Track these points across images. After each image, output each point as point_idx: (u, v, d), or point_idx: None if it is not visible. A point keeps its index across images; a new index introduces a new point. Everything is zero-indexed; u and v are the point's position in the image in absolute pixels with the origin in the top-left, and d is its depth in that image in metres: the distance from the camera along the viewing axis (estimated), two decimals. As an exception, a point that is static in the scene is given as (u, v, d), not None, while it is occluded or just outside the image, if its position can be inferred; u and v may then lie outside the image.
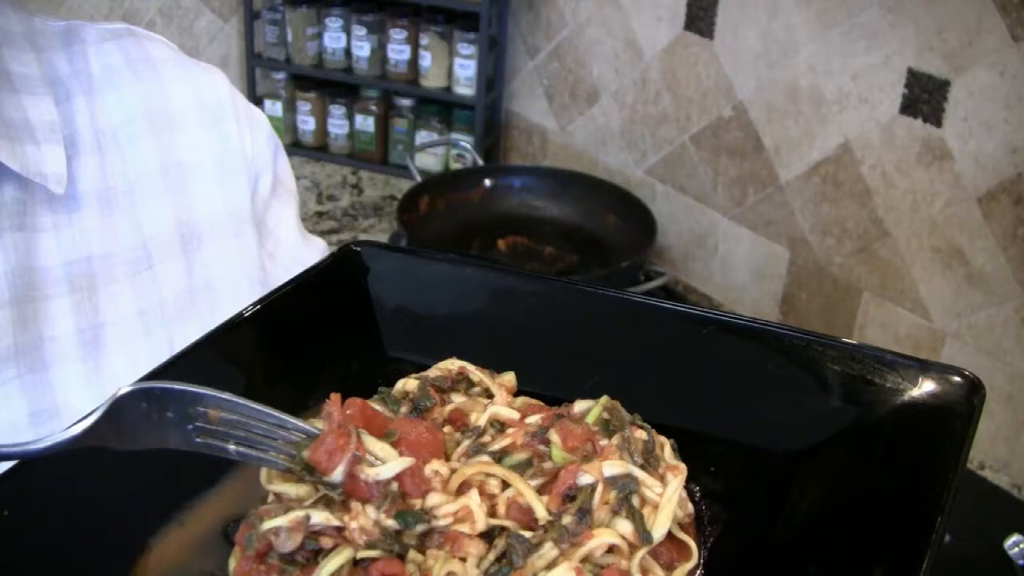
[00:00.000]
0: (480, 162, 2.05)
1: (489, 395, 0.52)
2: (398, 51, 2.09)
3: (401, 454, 0.43)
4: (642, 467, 0.45)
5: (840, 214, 1.57)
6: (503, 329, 0.59)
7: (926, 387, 0.48)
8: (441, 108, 2.17)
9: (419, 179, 1.90)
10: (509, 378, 0.54)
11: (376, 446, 0.42)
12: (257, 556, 0.41)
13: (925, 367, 0.49)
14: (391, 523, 0.41)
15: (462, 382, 0.53)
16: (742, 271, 1.78)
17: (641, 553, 0.42)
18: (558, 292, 0.62)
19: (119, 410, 0.42)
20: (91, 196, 0.68)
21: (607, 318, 0.58)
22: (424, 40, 2.07)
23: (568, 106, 2.06)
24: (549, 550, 0.40)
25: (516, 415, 0.49)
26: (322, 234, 1.86)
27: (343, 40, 2.13)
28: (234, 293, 0.74)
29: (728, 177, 1.76)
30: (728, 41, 1.69)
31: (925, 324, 1.48)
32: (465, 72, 2.06)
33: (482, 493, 0.43)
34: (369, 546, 0.40)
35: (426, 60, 2.08)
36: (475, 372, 0.53)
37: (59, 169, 0.65)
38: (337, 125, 2.22)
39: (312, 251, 0.84)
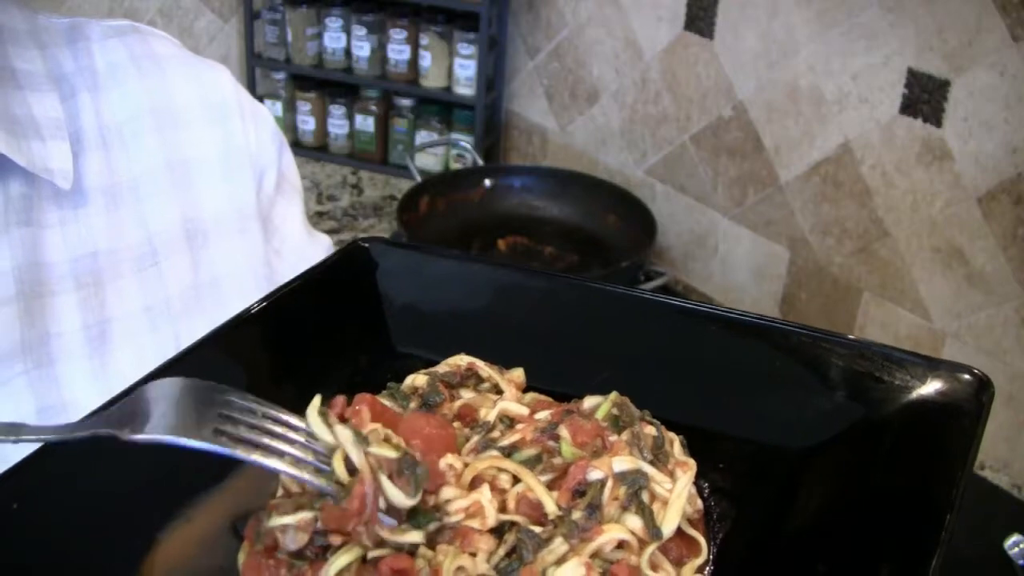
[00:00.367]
0: (480, 162, 2.05)
1: (498, 391, 0.52)
2: (398, 51, 2.09)
3: (414, 450, 0.43)
4: (651, 463, 0.45)
5: (840, 214, 1.57)
6: (512, 325, 0.59)
7: (934, 385, 0.48)
8: (441, 108, 2.17)
9: (419, 179, 1.89)
10: (518, 374, 0.54)
11: (390, 487, 0.41)
12: (266, 551, 0.41)
13: (933, 365, 0.49)
14: (403, 526, 0.41)
15: (471, 378, 0.53)
16: (742, 271, 1.78)
17: (651, 548, 0.42)
18: (566, 289, 0.62)
19: (146, 400, 0.42)
20: (97, 192, 0.68)
21: (615, 315, 0.58)
22: (424, 40, 2.07)
23: (568, 106, 2.06)
24: (559, 545, 0.40)
25: (525, 411, 0.49)
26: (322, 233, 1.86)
27: (343, 40, 2.13)
28: (240, 289, 0.74)
29: (728, 177, 1.76)
30: (728, 41, 1.69)
31: (925, 324, 1.48)
32: (465, 72, 2.06)
33: (493, 488, 0.43)
34: (378, 544, 0.40)
35: (426, 60, 2.08)
36: (484, 368, 0.53)
37: (65, 165, 0.65)
38: (337, 125, 2.22)
39: (318, 248, 0.84)
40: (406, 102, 2.18)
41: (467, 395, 0.52)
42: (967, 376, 0.47)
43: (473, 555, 0.41)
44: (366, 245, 0.64)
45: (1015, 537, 1.23)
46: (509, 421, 0.48)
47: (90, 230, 0.67)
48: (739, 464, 0.50)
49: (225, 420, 0.41)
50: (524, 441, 0.45)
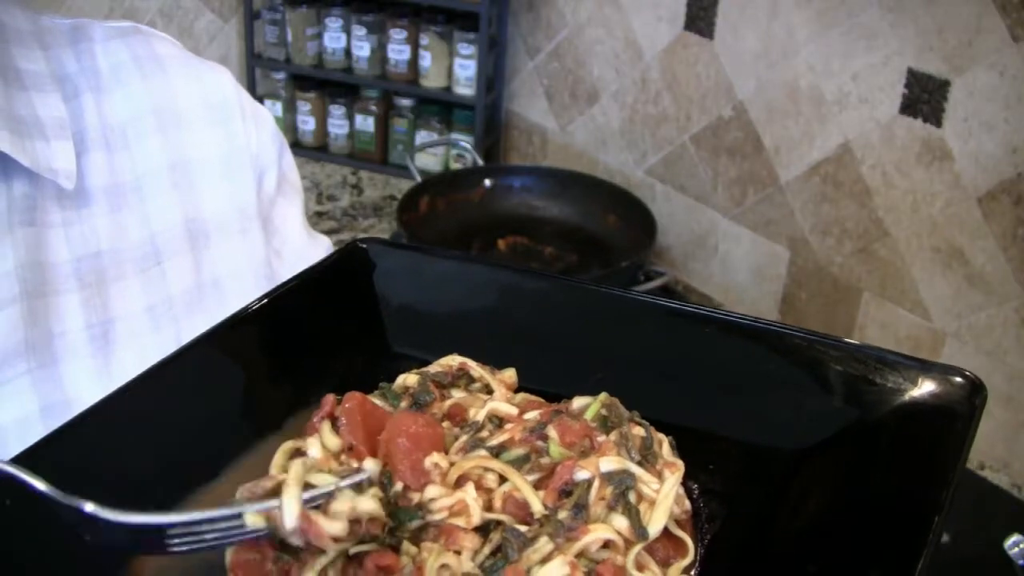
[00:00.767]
0: (480, 162, 2.05)
1: (489, 391, 0.52)
2: (398, 51, 2.09)
3: (400, 448, 0.43)
4: (639, 463, 0.45)
5: (840, 214, 1.57)
6: (507, 326, 0.60)
7: (927, 387, 0.48)
8: (441, 108, 2.17)
9: (419, 179, 1.89)
10: (510, 374, 0.54)
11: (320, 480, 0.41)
12: (251, 545, 0.41)
13: (926, 367, 0.49)
14: (386, 520, 0.41)
15: (462, 378, 0.53)
16: (742, 271, 1.78)
17: (637, 549, 0.42)
18: (561, 290, 0.63)
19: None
20: (100, 192, 0.68)
21: (609, 316, 0.58)
22: (424, 40, 2.07)
23: (568, 106, 2.06)
24: (544, 544, 0.40)
25: (514, 411, 0.49)
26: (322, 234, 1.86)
27: (343, 40, 2.13)
28: (241, 290, 0.75)
29: (728, 177, 1.76)
30: (728, 41, 1.69)
31: (925, 324, 1.48)
32: (465, 72, 2.06)
33: (479, 487, 0.43)
34: (361, 541, 0.40)
35: (426, 60, 2.08)
36: (475, 368, 0.53)
37: (69, 165, 0.65)
38: (337, 125, 2.22)
39: (318, 248, 0.85)
40: (406, 102, 2.18)
41: (458, 395, 0.52)
42: (960, 379, 0.47)
43: (458, 553, 0.41)
44: (364, 246, 0.64)
45: (1015, 537, 1.23)
46: (498, 421, 0.48)
47: (93, 230, 0.68)
48: (730, 465, 0.50)
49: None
50: (512, 441, 0.45)
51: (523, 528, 0.42)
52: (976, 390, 0.46)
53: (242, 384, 0.60)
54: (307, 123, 2.23)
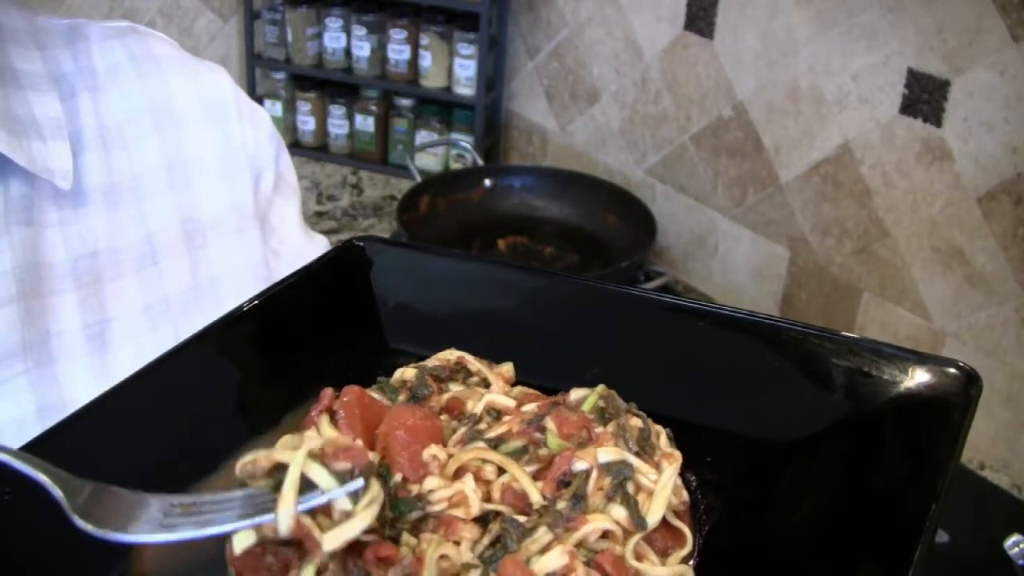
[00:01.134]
0: (480, 162, 2.06)
1: (487, 385, 0.52)
2: (398, 51, 2.10)
3: (398, 440, 0.43)
4: (637, 454, 0.45)
5: (840, 214, 1.57)
6: (504, 323, 0.60)
7: (923, 379, 0.48)
8: (441, 108, 2.18)
9: (419, 179, 1.90)
10: (507, 368, 0.54)
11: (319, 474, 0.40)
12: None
13: (922, 360, 0.49)
14: (386, 513, 0.41)
15: (460, 372, 0.53)
16: (742, 271, 1.78)
17: (635, 539, 0.42)
18: (558, 285, 0.63)
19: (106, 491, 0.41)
20: (96, 192, 0.68)
21: (607, 311, 0.59)
22: (424, 40, 2.07)
23: (568, 106, 2.06)
24: (543, 535, 0.40)
25: (512, 403, 0.49)
26: (322, 234, 1.86)
27: (343, 40, 2.13)
28: (239, 289, 0.74)
29: (728, 177, 1.76)
30: (728, 41, 1.69)
31: (925, 324, 1.48)
32: (465, 72, 2.06)
33: (478, 479, 0.43)
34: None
35: (426, 60, 2.08)
36: (473, 362, 0.53)
37: (65, 165, 0.65)
38: (337, 125, 2.22)
39: (315, 248, 0.84)
40: (406, 102, 2.18)
41: (456, 388, 0.52)
42: (955, 370, 0.47)
43: (457, 544, 0.41)
44: (361, 244, 0.64)
45: (1015, 537, 1.23)
46: (496, 414, 0.49)
47: (90, 230, 0.68)
48: (727, 457, 0.50)
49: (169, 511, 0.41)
50: (510, 433, 0.46)
51: (522, 519, 0.42)
52: (971, 381, 0.46)
53: (239, 381, 0.60)
54: (307, 123, 2.24)
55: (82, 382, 0.66)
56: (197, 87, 0.75)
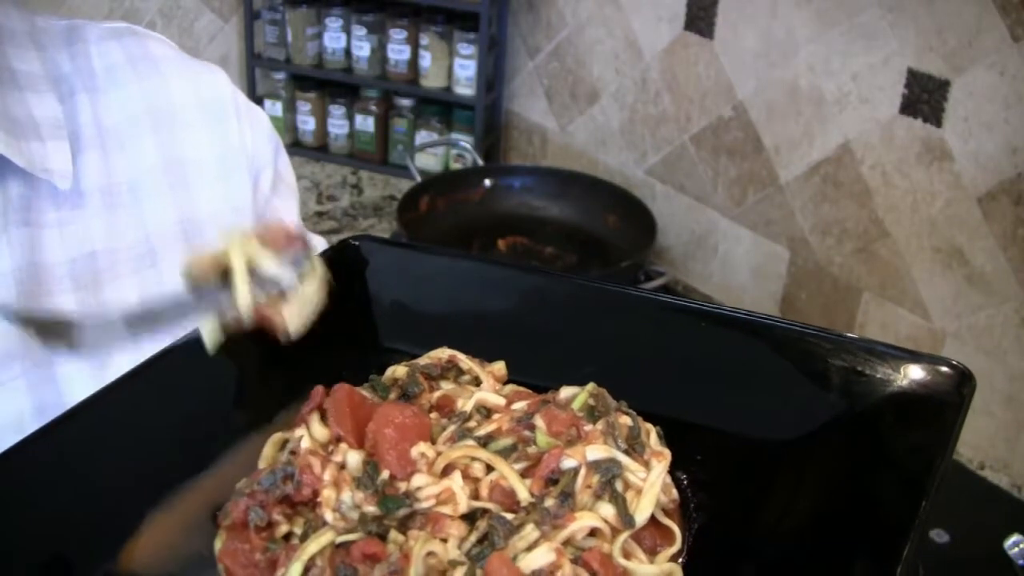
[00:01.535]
0: (480, 162, 2.05)
1: (478, 384, 0.52)
2: (398, 51, 2.09)
3: (386, 438, 0.43)
4: (626, 452, 0.45)
5: (840, 214, 1.57)
6: (498, 321, 0.60)
7: (916, 377, 0.48)
8: (441, 108, 2.17)
9: (419, 179, 1.89)
10: (499, 367, 0.54)
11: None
12: (240, 534, 0.41)
13: (915, 358, 0.49)
14: (372, 509, 0.41)
15: (452, 370, 0.53)
16: (742, 271, 1.78)
17: (623, 536, 0.42)
18: (554, 285, 0.63)
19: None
20: (95, 192, 0.68)
21: (600, 310, 0.59)
22: (424, 40, 2.07)
23: (568, 106, 2.06)
24: (531, 532, 0.40)
25: (502, 401, 0.49)
26: (322, 234, 1.85)
27: (343, 40, 2.13)
28: None
29: (728, 177, 1.75)
30: (728, 41, 1.69)
31: (925, 324, 1.47)
32: (465, 72, 2.06)
33: (466, 477, 0.43)
34: (349, 530, 0.40)
35: (426, 60, 2.08)
36: (465, 360, 0.53)
37: (64, 165, 0.65)
38: (337, 125, 2.22)
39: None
40: (406, 102, 2.18)
41: (447, 387, 0.51)
42: (948, 369, 0.47)
43: (444, 541, 0.41)
44: (356, 243, 0.64)
45: (1015, 537, 1.23)
46: (486, 411, 0.48)
47: (88, 230, 0.67)
48: (719, 456, 0.50)
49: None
50: (500, 431, 0.45)
51: (509, 516, 0.42)
52: (965, 379, 0.46)
53: (234, 379, 0.60)
54: (307, 123, 2.23)
55: (80, 383, 0.66)
56: (195, 88, 0.75)
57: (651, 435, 0.47)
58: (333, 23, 2.11)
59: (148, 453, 0.50)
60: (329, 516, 0.41)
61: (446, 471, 0.43)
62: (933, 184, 1.41)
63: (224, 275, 0.41)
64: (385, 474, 0.43)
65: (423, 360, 0.54)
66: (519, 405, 0.48)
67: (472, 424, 0.47)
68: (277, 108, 2.22)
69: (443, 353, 0.54)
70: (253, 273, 0.40)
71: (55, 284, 0.65)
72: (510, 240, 1.86)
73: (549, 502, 0.42)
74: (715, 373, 0.53)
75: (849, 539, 0.41)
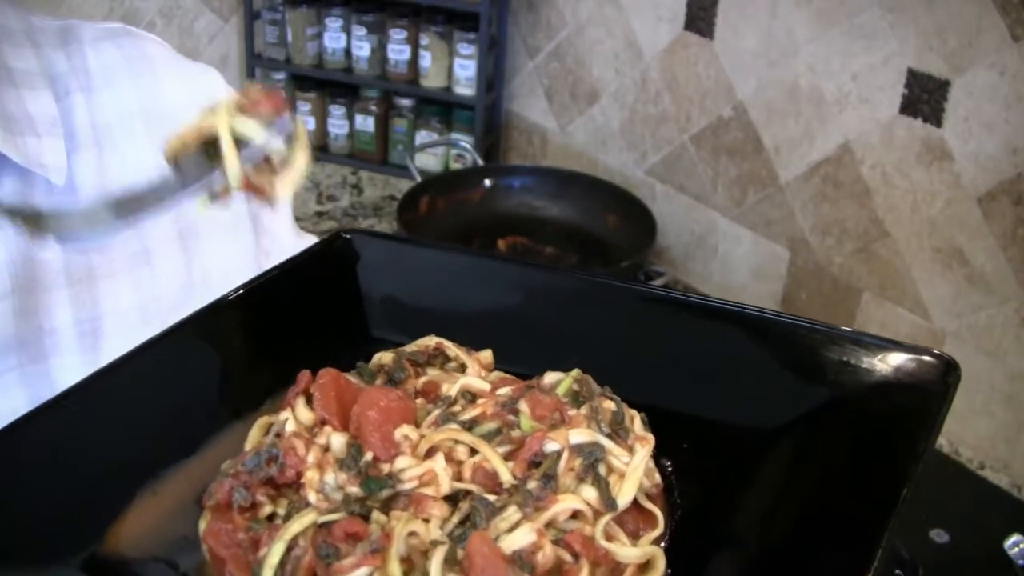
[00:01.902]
0: (480, 162, 2.05)
1: (464, 370, 0.52)
2: (398, 51, 2.10)
3: (370, 420, 0.43)
4: (610, 437, 0.44)
5: (840, 214, 1.56)
6: (487, 313, 0.60)
7: (901, 367, 0.48)
8: (441, 108, 2.18)
9: (419, 179, 1.90)
10: (486, 355, 0.54)
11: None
12: (223, 515, 0.41)
13: (900, 348, 0.49)
14: (355, 490, 0.41)
15: (438, 357, 0.53)
16: (742, 271, 1.77)
17: (605, 519, 0.42)
18: (542, 276, 0.64)
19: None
20: (89, 190, 0.68)
21: (588, 301, 0.59)
22: (424, 40, 2.07)
23: (568, 106, 2.06)
24: (512, 513, 0.40)
25: (487, 386, 0.49)
26: (322, 234, 1.86)
27: (343, 40, 2.13)
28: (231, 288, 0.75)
29: (728, 177, 1.75)
30: (728, 41, 1.69)
31: (925, 324, 1.47)
32: (465, 72, 2.06)
33: (449, 459, 0.43)
34: (331, 511, 0.40)
35: (426, 60, 2.08)
36: (451, 348, 0.53)
37: (60, 161, 0.65)
38: (337, 125, 2.22)
39: (305, 247, 0.85)
40: (406, 102, 2.19)
41: (433, 373, 0.51)
42: (932, 359, 0.47)
43: (426, 521, 0.41)
44: (348, 236, 0.64)
45: (1015, 537, 1.22)
46: (471, 396, 0.48)
47: None
48: (704, 444, 0.50)
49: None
50: (484, 415, 0.45)
51: (492, 497, 0.42)
52: (950, 369, 0.46)
53: (222, 367, 0.60)
54: (307, 123, 2.24)
55: (74, 378, 0.66)
56: (189, 88, 0.75)
57: (635, 420, 0.47)
58: (333, 23, 2.12)
59: (135, 439, 0.51)
60: (312, 497, 0.41)
61: (429, 453, 0.43)
62: (933, 184, 1.41)
63: (206, 148, 0.41)
64: (368, 456, 0.43)
65: (410, 347, 0.54)
66: (504, 390, 0.48)
67: (457, 408, 0.47)
68: (278, 108, 2.22)
69: (430, 340, 0.54)
70: (239, 143, 0.39)
71: (49, 280, 0.66)
72: (510, 240, 1.86)
73: (532, 484, 0.41)
74: (701, 362, 0.53)
75: (832, 526, 0.41)
